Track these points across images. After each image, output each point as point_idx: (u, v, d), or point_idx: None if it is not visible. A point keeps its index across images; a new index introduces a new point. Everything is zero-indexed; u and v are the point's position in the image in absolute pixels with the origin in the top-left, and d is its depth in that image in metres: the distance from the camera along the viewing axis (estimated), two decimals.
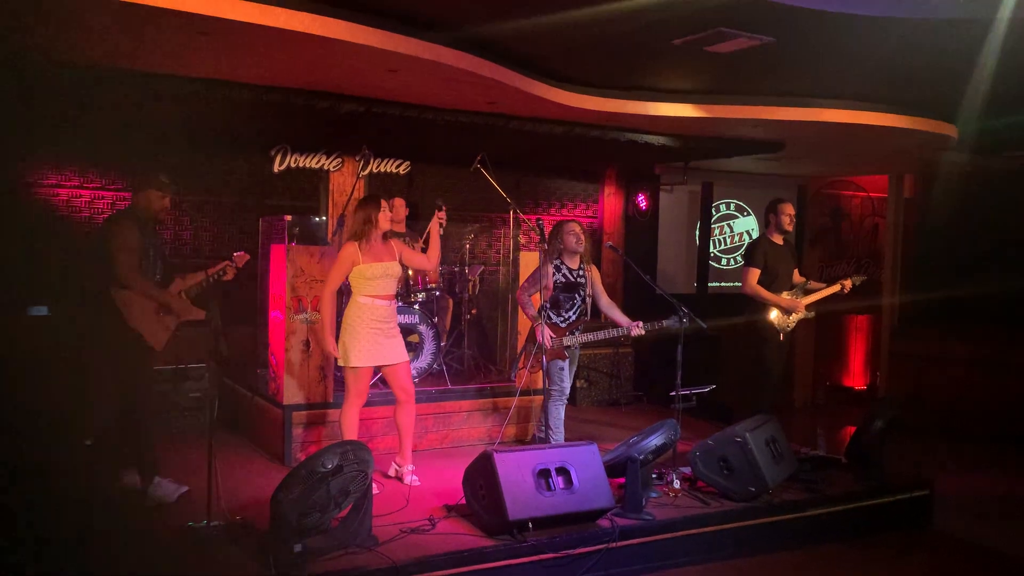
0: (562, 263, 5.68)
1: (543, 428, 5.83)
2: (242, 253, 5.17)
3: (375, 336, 4.95)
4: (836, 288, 6.32)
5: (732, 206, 9.96)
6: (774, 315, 6.25)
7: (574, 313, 5.68)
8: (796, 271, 6.52)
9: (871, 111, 6.37)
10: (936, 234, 9.34)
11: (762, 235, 6.55)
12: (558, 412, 5.71)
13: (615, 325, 5.68)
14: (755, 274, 6.24)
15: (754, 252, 6.35)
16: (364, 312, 4.95)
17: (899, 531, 5.44)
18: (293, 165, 7.61)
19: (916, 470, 5.97)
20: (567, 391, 5.75)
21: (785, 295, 6.28)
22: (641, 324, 5.55)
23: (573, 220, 5.82)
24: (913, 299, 9.49)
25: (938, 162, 8.33)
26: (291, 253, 5.67)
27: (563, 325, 5.66)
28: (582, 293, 5.70)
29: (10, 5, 3.84)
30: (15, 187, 6.62)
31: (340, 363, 5.05)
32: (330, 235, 7.30)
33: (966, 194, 9.05)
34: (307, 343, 5.72)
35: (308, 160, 7.66)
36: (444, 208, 5.30)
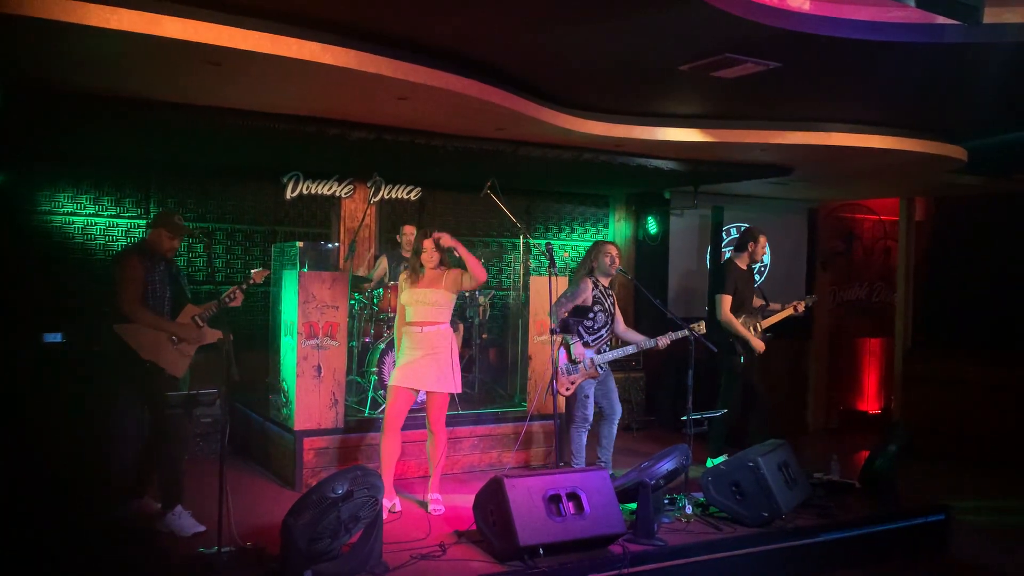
0: (597, 280, 5.76)
1: (557, 452, 5.81)
2: (262, 270, 5.23)
3: (406, 359, 5.12)
4: (790, 311, 6.66)
5: (743, 230, 9.95)
6: (737, 345, 6.42)
7: (605, 331, 5.73)
8: (755, 297, 6.69)
9: (879, 134, 6.38)
10: (948, 257, 9.31)
11: (731, 260, 6.71)
12: (580, 439, 5.72)
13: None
14: (728, 301, 6.38)
15: (726, 278, 6.50)
16: (404, 336, 5.21)
17: (915, 557, 5.38)
18: (305, 192, 7.69)
19: (932, 495, 5.91)
20: (591, 419, 5.75)
21: (744, 318, 6.46)
22: (669, 334, 5.57)
23: (612, 243, 5.94)
24: (926, 322, 9.44)
25: (949, 185, 8.31)
26: (303, 279, 5.71)
27: (593, 343, 5.68)
28: (612, 312, 5.76)
29: (19, 35, 3.91)
30: (31, 215, 6.71)
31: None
32: (341, 261, 7.35)
33: (977, 216, 9.03)
34: (319, 368, 5.74)
35: (320, 187, 7.74)
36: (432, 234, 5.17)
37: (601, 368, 5.68)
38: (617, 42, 4.55)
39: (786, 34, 4.17)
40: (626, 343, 5.76)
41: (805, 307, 6.75)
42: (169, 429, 4.80)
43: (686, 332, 5.51)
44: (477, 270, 5.06)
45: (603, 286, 5.77)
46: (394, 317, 6.69)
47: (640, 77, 5.25)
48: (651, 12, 4.07)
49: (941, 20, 4.04)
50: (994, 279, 8.66)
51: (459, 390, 5.29)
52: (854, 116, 6.25)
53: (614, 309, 5.80)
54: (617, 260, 5.77)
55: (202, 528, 4.65)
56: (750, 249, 6.62)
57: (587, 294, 5.68)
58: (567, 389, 5.66)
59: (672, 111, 6.13)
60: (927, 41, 4.24)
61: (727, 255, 9.67)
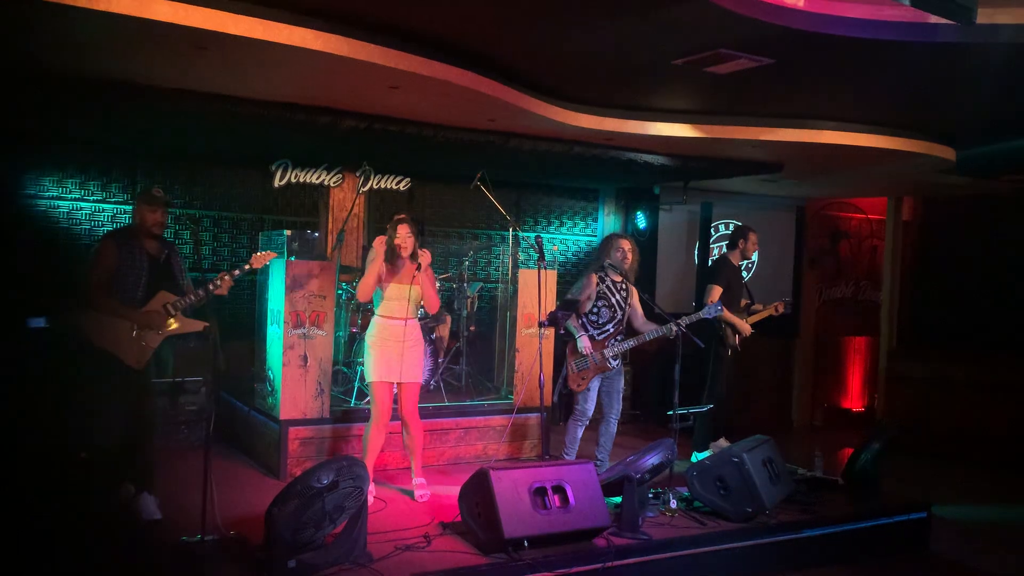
0: (606, 275, 5.71)
1: (544, 445, 5.82)
2: (266, 252, 5.01)
3: (385, 352, 5.05)
4: (771, 311, 6.94)
5: (731, 226, 9.97)
6: (727, 333, 6.69)
7: (612, 326, 5.68)
8: (742, 296, 6.95)
9: (869, 133, 6.40)
10: (935, 257, 9.37)
11: (724, 256, 7.01)
12: (576, 432, 5.73)
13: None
14: (719, 292, 6.62)
15: (719, 271, 6.83)
16: (376, 329, 5.11)
17: (896, 554, 5.43)
18: (294, 180, 7.65)
19: (913, 493, 5.96)
20: (590, 414, 5.73)
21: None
22: (683, 320, 5.49)
23: (626, 237, 5.88)
24: (912, 322, 9.50)
25: (937, 185, 8.35)
26: (290, 268, 5.68)
27: (600, 337, 5.65)
28: (622, 307, 5.71)
29: (4, 16, 3.86)
30: (16, 199, 6.64)
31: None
32: (329, 250, 7.32)
33: (964, 217, 9.08)
34: (305, 358, 5.71)
35: (309, 175, 7.70)
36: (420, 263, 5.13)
37: (612, 362, 5.65)
38: (612, 36, 4.53)
39: (780, 30, 4.16)
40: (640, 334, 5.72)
41: (785, 308, 7.07)
42: (134, 417, 4.72)
43: (699, 317, 5.57)
44: (432, 301, 5.18)
45: (612, 280, 5.70)
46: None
47: (633, 71, 5.24)
48: (651, 8, 4.06)
49: (934, 19, 4.05)
50: (980, 280, 8.73)
51: (422, 380, 5.35)
52: (846, 114, 6.26)
53: (626, 304, 5.73)
54: (629, 255, 5.70)
55: (158, 516, 4.60)
56: (740, 246, 6.87)
57: (591, 289, 5.65)
58: (579, 385, 5.63)
59: (664, 106, 6.13)
60: (920, 40, 4.24)
61: (715, 251, 9.75)
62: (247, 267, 4.90)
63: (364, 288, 5.08)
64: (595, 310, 5.66)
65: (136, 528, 4.52)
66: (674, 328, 5.44)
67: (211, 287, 4.70)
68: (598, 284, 5.67)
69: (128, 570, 3.98)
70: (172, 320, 4.67)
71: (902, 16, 4.10)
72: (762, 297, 7.23)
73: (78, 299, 4.58)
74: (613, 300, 5.68)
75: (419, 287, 5.10)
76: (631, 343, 5.68)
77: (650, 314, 5.85)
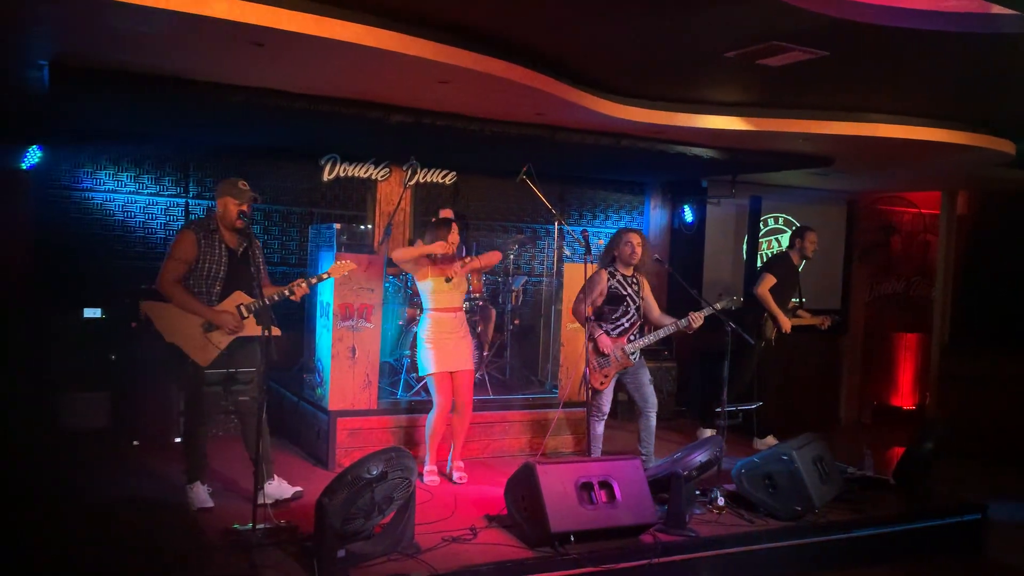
0: (616, 270, 5.67)
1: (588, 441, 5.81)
2: (347, 263, 4.94)
3: (443, 344, 5.36)
4: (817, 321, 7.23)
5: (780, 220, 9.84)
6: (767, 324, 6.95)
7: (627, 321, 5.64)
8: (792, 297, 7.17)
9: (926, 126, 6.25)
10: (990, 252, 9.12)
11: (786, 253, 7.33)
12: (595, 429, 5.70)
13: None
14: (771, 281, 6.92)
15: (776, 263, 7.21)
16: (430, 324, 5.40)
17: (949, 556, 5.33)
18: (342, 174, 7.73)
19: (967, 493, 5.84)
20: (606, 410, 5.69)
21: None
22: (701, 312, 5.40)
23: (636, 231, 5.81)
24: (966, 318, 9.27)
25: (993, 179, 8.13)
26: (339, 261, 5.73)
27: (614, 333, 5.62)
28: (636, 301, 5.67)
29: (65, 12, 3.93)
30: (73, 192, 6.81)
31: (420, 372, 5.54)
32: (377, 243, 7.38)
33: (1022, 212, 8.83)
34: (353, 350, 5.77)
35: (357, 169, 7.77)
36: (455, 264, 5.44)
37: (633, 356, 5.62)
38: (665, 29, 4.49)
39: (836, 22, 4.08)
40: (659, 328, 5.68)
41: (829, 325, 7.30)
42: (191, 410, 4.81)
43: (718, 305, 5.46)
44: (491, 261, 5.63)
45: (623, 275, 5.66)
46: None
47: (685, 64, 5.18)
48: (706, 1, 4.02)
49: (997, 10, 3.94)
50: None
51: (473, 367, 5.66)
52: (902, 107, 6.11)
53: (639, 299, 5.68)
54: (638, 249, 5.62)
55: (209, 505, 4.69)
56: (797, 246, 7.17)
57: (602, 285, 5.60)
58: (601, 383, 5.59)
59: (715, 99, 6.05)
60: (981, 31, 4.13)
61: (763, 245, 9.63)
62: (325, 275, 4.91)
63: (406, 251, 5.46)
64: (609, 305, 5.62)
65: (188, 515, 4.62)
66: (694, 321, 5.37)
67: (287, 292, 4.70)
68: (608, 279, 5.63)
69: (179, 557, 4.07)
70: (245, 323, 4.64)
71: (962, 7, 4.00)
72: (810, 292, 7.15)
73: (152, 290, 4.61)
74: (624, 294, 5.64)
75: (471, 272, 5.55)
76: (650, 339, 5.62)
77: (695, 308, 5.77)
